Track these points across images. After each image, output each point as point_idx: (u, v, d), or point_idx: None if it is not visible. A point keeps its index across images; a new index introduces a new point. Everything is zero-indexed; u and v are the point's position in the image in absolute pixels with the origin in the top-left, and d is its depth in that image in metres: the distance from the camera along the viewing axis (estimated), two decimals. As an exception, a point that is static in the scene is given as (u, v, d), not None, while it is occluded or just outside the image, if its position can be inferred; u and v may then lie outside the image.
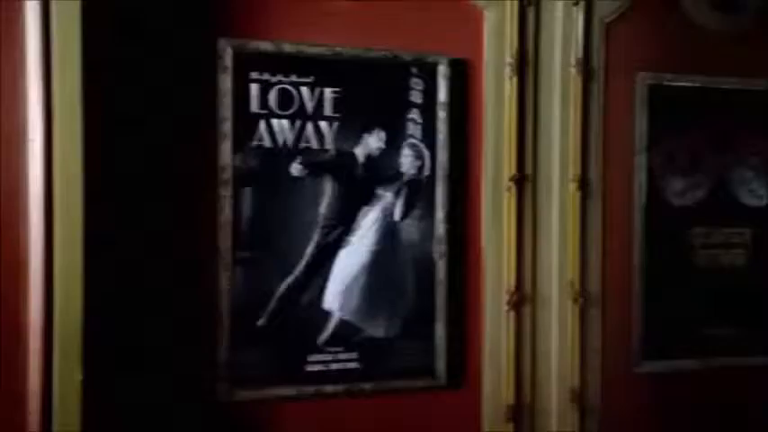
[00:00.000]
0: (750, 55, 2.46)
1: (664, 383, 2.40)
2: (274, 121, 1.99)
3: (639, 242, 2.36)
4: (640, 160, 2.37)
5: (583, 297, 2.28)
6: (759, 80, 2.46)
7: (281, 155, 1.99)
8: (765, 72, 2.47)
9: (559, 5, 2.25)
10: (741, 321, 2.48)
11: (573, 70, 2.27)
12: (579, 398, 2.28)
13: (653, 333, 2.38)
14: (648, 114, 2.36)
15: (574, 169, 2.28)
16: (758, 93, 2.47)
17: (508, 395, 2.22)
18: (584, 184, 2.29)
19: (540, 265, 2.27)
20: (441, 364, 2.14)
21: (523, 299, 2.24)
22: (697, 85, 2.41)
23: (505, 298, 2.21)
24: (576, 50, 2.27)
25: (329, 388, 2.04)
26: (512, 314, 2.22)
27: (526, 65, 2.23)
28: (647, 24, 2.36)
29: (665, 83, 2.38)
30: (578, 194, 2.28)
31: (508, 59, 2.20)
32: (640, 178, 2.37)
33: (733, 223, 2.47)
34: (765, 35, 2.47)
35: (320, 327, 2.04)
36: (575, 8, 2.26)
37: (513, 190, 2.22)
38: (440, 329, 2.14)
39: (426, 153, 2.12)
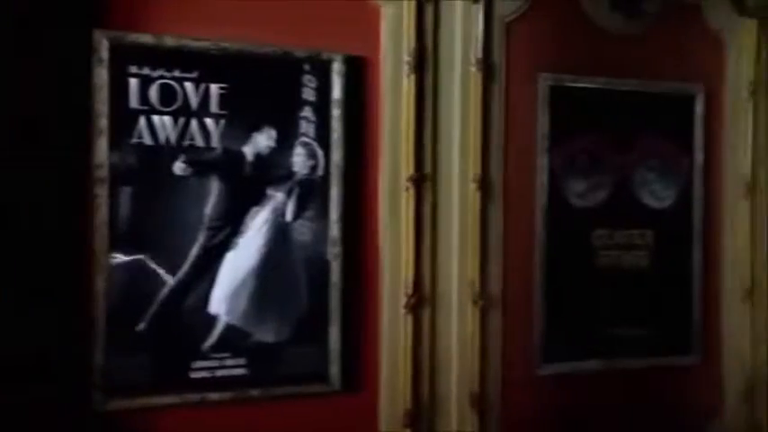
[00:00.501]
0: (650, 57, 2.48)
1: (566, 385, 2.39)
2: (155, 118, 1.91)
3: (541, 243, 2.35)
4: (542, 161, 2.35)
5: (483, 299, 2.26)
6: (659, 82, 2.47)
7: (162, 153, 1.91)
8: (665, 74, 2.48)
9: (459, 4, 2.22)
10: (643, 322, 2.48)
11: (473, 69, 2.25)
12: (479, 401, 2.26)
13: (555, 334, 2.37)
14: (550, 115, 2.35)
15: (474, 169, 2.25)
16: (659, 95, 2.48)
17: (406, 399, 2.18)
18: (484, 184, 2.26)
19: (439, 267, 2.23)
20: (335, 369, 2.08)
21: (422, 301, 2.20)
22: (598, 86, 2.41)
23: (403, 300, 2.17)
24: (476, 49, 2.25)
25: (215, 395, 1.96)
26: (410, 316, 2.18)
27: (425, 63, 2.20)
28: (547, 25, 2.35)
29: (567, 84, 2.37)
30: (479, 195, 2.25)
31: (406, 57, 2.16)
32: (542, 179, 2.35)
33: (635, 225, 2.48)
34: (664, 37, 2.48)
35: (205, 332, 1.96)
36: (474, 6, 2.24)
37: (412, 190, 2.18)
38: (334, 333, 2.08)
39: (320, 152, 2.06)
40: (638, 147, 2.48)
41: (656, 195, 2.50)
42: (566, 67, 2.38)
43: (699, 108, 2.53)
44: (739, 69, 2.58)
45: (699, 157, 2.54)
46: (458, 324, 2.25)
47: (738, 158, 2.59)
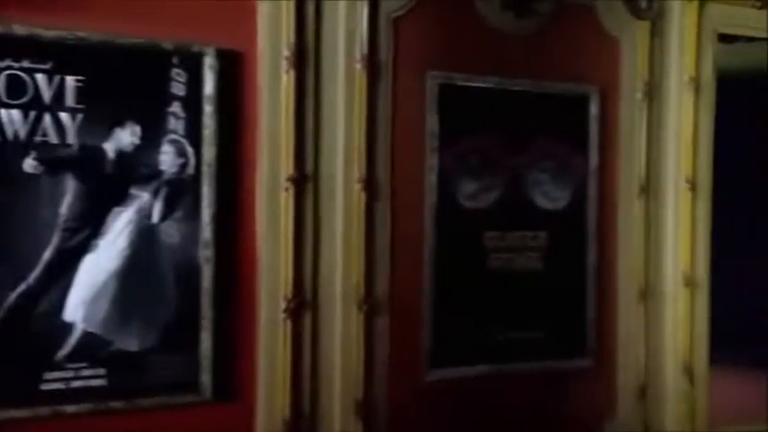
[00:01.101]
0: (543, 57, 2.45)
1: (456, 391, 2.34)
2: (2, 112, 1.77)
3: (430, 246, 2.29)
4: (431, 161, 2.30)
5: (368, 303, 2.18)
6: (553, 83, 2.44)
7: (10, 149, 1.78)
8: (559, 75, 2.45)
9: (342, -2, 2.14)
10: (536, 325, 2.44)
11: (358, 66, 2.17)
12: (364, 409, 2.18)
13: (444, 339, 2.32)
14: (439, 114, 2.30)
15: (359, 169, 2.18)
16: (553, 95, 2.45)
17: (285, 408, 2.09)
18: (370, 184, 2.19)
19: (322, 270, 2.15)
20: (206, 377, 1.98)
21: (303, 305, 2.11)
22: (490, 86, 2.37)
23: (283, 304, 2.08)
24: (362, 46, 2.17)
25: (70, 408, 1.84)
26: (289, 321, 2.09)
27: (305, 59, 2.11)
28: (436, 22, 2.29)
29: (457, 83, 2.32)
30: (364, 195, 2.18)
31: (285, 53, 2.08)
32: (431, 180, 2.30)
33: (528, 226, 2.44)
34: (558, 38, 2.45)
35: (59, 340, 1.83)
36: (359, 2, 2.16)
37: (292, 190, 2.09)
38: (206, 340, 1.98)
39: (190, 150, 1.96)
40: (531, 147, 2.44)
41: (550, 196, 2.47)
42: (456, 65, 2.33)
43: (593, 109, 2.51)
44: (633, 71, 2.57)
45: (593, 158, 2.52)
46: (342, 329, 2.18)
47: (632, 159, 2.58)
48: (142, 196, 1.92)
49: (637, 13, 2.56)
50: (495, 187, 2.40)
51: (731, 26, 2.70)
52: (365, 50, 2.18)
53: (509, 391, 2.42)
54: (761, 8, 2.71)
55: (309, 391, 2.13)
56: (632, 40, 2.57)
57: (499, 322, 2.41)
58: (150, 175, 1.92)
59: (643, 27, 2.58)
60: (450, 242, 2.33)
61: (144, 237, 1.92)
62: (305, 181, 2.12)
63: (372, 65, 2.19)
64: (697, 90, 2.64)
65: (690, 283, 2.64)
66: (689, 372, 2.64)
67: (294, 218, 2.10)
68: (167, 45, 1.94)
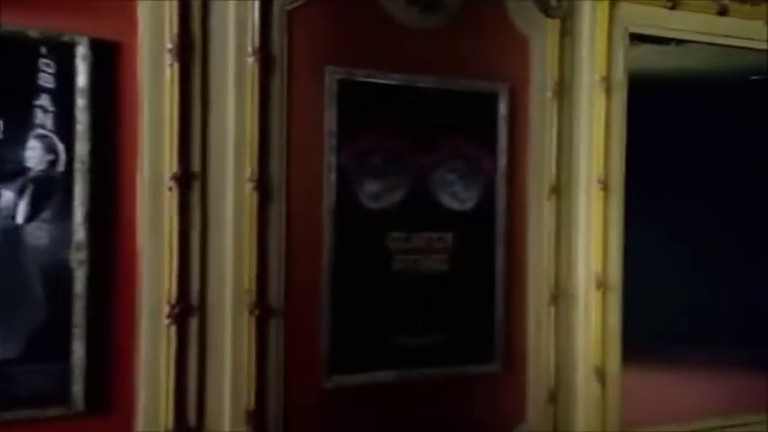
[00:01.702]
0: (450, 54, 2.37)
1: (357, 398, 2.25)
2: None
3: (328, 247, 2.20)
4: (330, 160, 2.20)
5: (260, 308, 2.08)
6: (461, 80, 2.37)
7: None
8: (467, 72, 2.38)
9: (232, -12, 2.04)
10: (443, 329, 2.37)
11: (250, 60, 2.06)
12: (256, 419, 2.07)
13: (344, 344, 2.23)
14: (339, 111, 2.20)
15: (251, 168, 2.07)
16: (460, 93, 2.38)
17: (168, 419, 1.97)
18: (263, 184, 2.08)
19: (210, 274, 2.04)
20: (78, 388, 1.86)
21: (189, 311, 2.00)
22: (394, 82, 2.28)
23: (166, 310, 1.96)
24: (254, 38, 2.07)
25: None
26: (173, 328, 1.96)
27: (191, 51, 2.00)
28: (336, 15, 2.20)
29: (358, 78, 2.23)
30: (256, 196, 2.07)
31: (168, 45, 1.96)
32: (330, 179, 2.20)
33: (434, 228, 2.36)
34: (466, 34, 2.38)
35: None
36: (250, -8, 2.05)
37: (176, 190, 1.97)
38: (78, 348, 1.85)
39: (61, 146, 1.83)
40: (438, 147, 2.37)
41: (458, 197, 2.40)
42: (357, 60, 2.24)
43: (502, 108, 2.45)
44: (543, 69, 2.52)
45: (502, 157, 2.46)
46: (232, 335, 2.07)
47: (543, 160, 2.52)
48: (5, 195, 1.78)
49: (546, 11, 2.52)
50: (400, 187, 2.32)
51: (642, 26, 2.68)
52: (257, 43, 2.07)
53: (414, 397, 2.34)
54: (672, 8, 2.69)
55: (196, 401, 2.02)
56: (542, 38, 2.52)
57: (404, 326, 2.33)
58: (14, 173, 1.79)
59: (553, 25, 2.53)
60: (352, 244, 2.24)
61: (7, 238, 1.77)
62: (191, 179, 2.01)
63: (265, 58, 2.10)
64: (608, 89, 2.59)
65: (602, 285, 2.60)
66: (600, 375, 2.59)
67: (179, 219, 1.98)
68: (33, 34, 1.81)
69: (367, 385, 2.26)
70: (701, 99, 3.58)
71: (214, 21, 2.04)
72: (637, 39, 2.93)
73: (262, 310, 2.09)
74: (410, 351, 2.33)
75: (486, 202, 2.44)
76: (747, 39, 2.87)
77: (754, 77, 3.55)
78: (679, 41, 2.95)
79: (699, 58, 3.12)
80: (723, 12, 2.78)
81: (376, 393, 2.28)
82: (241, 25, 2.06)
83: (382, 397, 2.30)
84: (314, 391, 2.19)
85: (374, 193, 2.28)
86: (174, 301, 1.98)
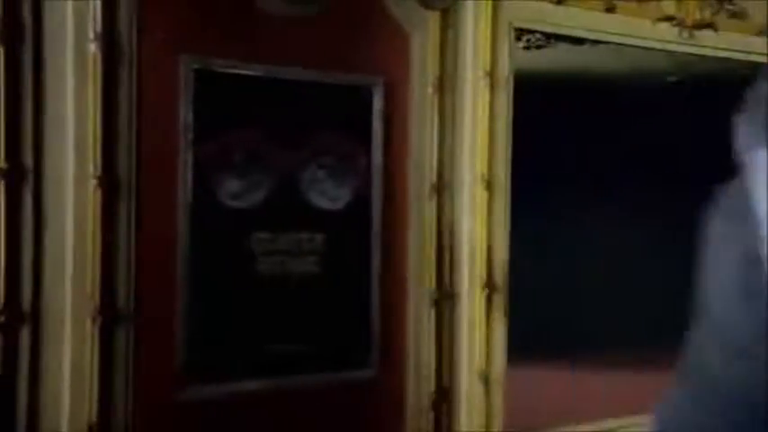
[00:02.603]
0: (321, 45, 2.25)
1: (217, 410, 2.11)
2: None
3: (184, 250, 2.05)
4: (185, 156, 2.05)
5: (105, 314, 1.92)
6: (332, 73, 2.25)
7: None
8: (339, 65, 2.26)
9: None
10: (313, 335, 2.25)
11: (92, 46, 1.90)
12: (97, 434, 1.90)
13: (203, 353, 2.08)
14: (195, 103, 2.06)
15: (95, 164, 1.91)
16: (332, 87, 2.26)
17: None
18: (108, 181, 1.92)
19: (46, 278, 1.87)
20: None
21: (19, 318, 1.82)
22: (258, 73, 2.15)
23: (-8, 319, 1.78)
24: (95, 22, 1.90)
25: None
26: None
27: (21, 35, 1.84)
28: (192, 0, 2.04)
29: (217, 69, 2.08)
30: (100, 194, 1.91)
31: (-11, 28, 1.77)
32: (185, 176, 2.06)
33: (303, 228, 2.23)
34: (338, 25, 2.27)
35: None
36: (88, -28, 1.88)
37: (3, 185, 1.79)
38: None
39: None
40: (306, 142, 2.25)
41: (329, 196, 2.28)
42: (217, 49, 2.10)
43: (378, 103, 2.34)
44: (423, 63, 2.42)
45: (378, 155, 2.35)
46: (72, 344, 1.91)
47: (423, 157, 2.42)
48: None
49: (426, 4, 2.42)
50: (265, 185, 2.19)
51: (527, 21, 2.61)
52: (99, 28, 1.91)
53: (281, 407, 2.21)
54: (558, 3, 2.63)
55: (26, 417, 1.84)
56: (423, 31, 2.43)
57: (270, 332, 2.20)
58: None
59: (435, 18, 2.43)
60: (211, 245, 2.10)
61: None
62: (22, 175, 1.83)
63: (109, 45, 1.94)
64: (492, 86, 2.51)
65: (487, 285, 2.52)
66: (484, 377, 2.52)
67: (6, 218, 1.80)
68: None
69: (228, 396, 2.12)
70: (614, 100, 3.57)
71: (47, 4, 1.87)
72: (553, 38, 2.88)
73: (107, 317, 1.93)
74: (277, 358, 2.21)
75: (361, 200, 2.33)
76: (636, 37, 2.82)
77: (671, 79, 3.55)
78: (593, 42, 2.91)
79: (614, 58, 3.09)
80: (611, 9, 2.73)
81: (239, 404, 2.15)
82: (80, 7, 1.90)
83: (246, 407, 2.16)
84: (167, 403, 2.04)
85: (236, 192, 2.14)
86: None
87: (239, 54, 2.14)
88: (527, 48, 3.33)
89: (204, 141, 2.09)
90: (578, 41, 2.93)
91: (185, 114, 2.06)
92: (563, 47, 3.01)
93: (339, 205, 2.30)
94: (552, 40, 3.00)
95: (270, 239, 2.20)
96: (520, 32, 3.01)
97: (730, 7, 2.98)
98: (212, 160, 2.11)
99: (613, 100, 3.57)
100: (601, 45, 2.92)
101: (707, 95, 3.51)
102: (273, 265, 2.21)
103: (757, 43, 3.04)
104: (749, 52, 3.05)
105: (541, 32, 2.89)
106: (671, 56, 2.99)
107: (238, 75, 2.13)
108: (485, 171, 2.52)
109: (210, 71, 2.09)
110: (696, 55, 3.01)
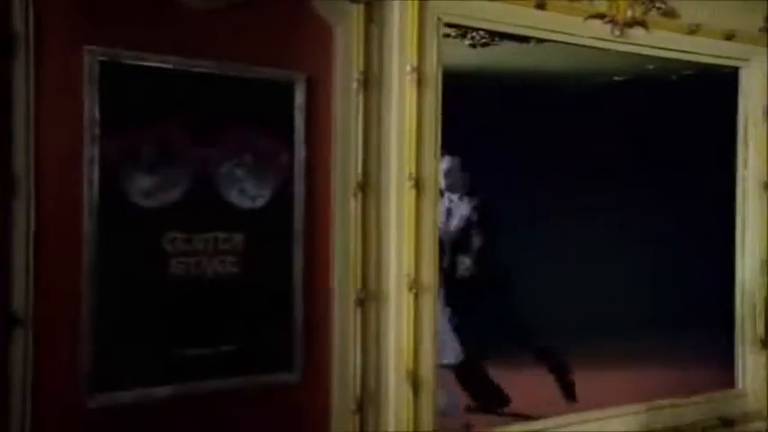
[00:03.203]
0: (239, 38, 2.17)
1: (127, 417, 2.02)
2: None
3: (90, 250, 1.96)
4: (91, 152, 1.96)
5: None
6: (251, 67, 2.17)
7: None
8: (259, 59, 2.19)
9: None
10: (232, 338, 2.16)
11: (-14, 37, 1.78)
12: (-6, 447, 1.79)
13: (112, 358, 1.98)
14: (102, 98, 1.96)
15: (-12, 162, 1.78)
16: (250, 81, 2.18)
17: None
18: (5, 179, 1.81)
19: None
20: None
21: None
22: (170, 66, 2.05)
23: None
24: (-10, 12, 1.78)
25: None
26: None
27: None
28: (97, -11, 1.94)
29: (126, 61, 1.98)
30: (-7, 193, 1.79)
31: None
32: (92, 174, 1.96)
33: (220, 227, 2.15)
34: (257, 17, 2.19)
35: None
36: (-19, -42, 1.77)
37: None
38: None
39: None
40: (224, 139, 2.17)
41: (248, 194, 2.20)
42: (124, 40, 2.00)
43: (299, 98, 2.27)
44: (348, 58, 2.35)
45: (300, 151, 2.28)
46: (-36, 352, 1.77)
47: (348, 155, 2.36)
48: None
49: (351, -4, 2.35)
50: (179, 183, 2.10)
51: (456, 16, 2.56)
52: (-7, 17, 1.79)
53: (198, 413, 2.13)
54: (488, -1, 2.59)
55: None
56: (347, 25, 2.37)
57: (185, 335, 2.11)
58: None
59: (359, 12, 2.37)
60: (120, 246, 2.01)
61: None
62: None
63: (6, 36, 1.82)
64: (420, 81, 2.46)
65: (414, 286, 2.47)
66: (413, 379, 2.46)
67: None
68: None
69: (141, 402, 2.03)
70: (559, 98, 3.56)
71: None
72: (497, 36, 2.85)
73: (1, 321, 1.81)
74: (193, 363, 2.13)
75: (283, 199, 2.26)
76: (567, 34, 2.81)
77: (617, 78, 3.55)
78: (539, 40, 2.89)
79: (561, 57, 3.07)
80: (541, 6, 2.71)
81: (152, 410, 2.06)
82: (-30, -4, 1.78)
83: (160, 414, 2.08)
84: (74, 410, 1.94)
85: (147, 190, 2.05)
86: None
87: (150, 46, 2.05)
88: (473, 45, 3.30)
89: (113, 137, 2.00)
90: (524, 39, 2.91)
91: (91, 109, 1.97)
92: (509, 45, 2.98)
93: (259, 204, 2.23)
94: (497, 38, 2.97)
95: (185, 239, 2.11)
96: (465, 30, 2.98)
97: (661, 6, 2.97)
98: (121, 157, 2.01)
99: (559, 98, 3.56)
100: (547, 44, 2.90)
101: (654, 94, 3.52)
102: (189, 267, 2.12)
103: (688, 42, 3.05)
104: (680, 51, 3.05)
105: (485, 30, 2.85)
106: (620, 56, 2.99)
107: (148, 67, 2.04)
108: (413, 169, 2.47)
109: (118, 63, 1.99)
110: (644, 55, 3.00)
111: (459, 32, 3.04)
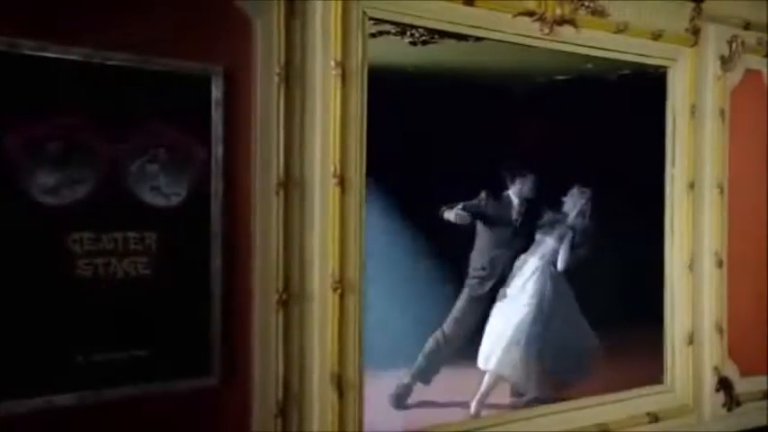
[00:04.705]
0: (151, 29, 2.09)
1: (29, 427, 1.90)
2: None
3: (-13, 251, 1.82)
4: (-11, 147, 1.82)
5: None
6: (164, 59, 2.08)
7: None
8: (173, 51, 2.10)
9: None
10: (144, 342, 2.07)
11: None
12: None
13: (10, 365, 1.86)
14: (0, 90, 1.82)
15: None
16: (163, 74, 2.09)
17: None
18: None
19: None
20: None
21: None
22: (76, 58, 1.94)
23: None
24: None
25: None
26: None
27: None
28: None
29: (26, 52, 1.87)
30: None
31: None
32: (-11, 171, 1.82)
33: (132, 226, 2.06)
34: (171, 8, 2.10)
35: None
36: None
37: None
38: None
39: None
40: (135, 134, 2.09)
41: (162, 192, 2.12)
42: (25, 30, 1.88)
43: (217, 92, 2.19)
44: (269, 52, 2.29)
45: (218, 148, 2.20)
46: None
47: (269, 151, 2.28)
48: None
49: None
50: (86, 180, 2.00)
51: (381, 11, 2.52)
52: None
53: (106, 422, 2.03)
54: (413, -8, 2.55)
55: None
56: (266, 17, 2.29)
57: (92, 340, 2.01)
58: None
59: (279, 4, 2.29)
60: (19, 246, 1.90)
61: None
62: None
63: None
64: (344, 77, 2.40)
65: (339, 286, 2.41)
66: (338, 382, 2.41)
67: None
68: None
69: (38, 412, 1.92)
70: (498, 97, 3.53)
71: None
72: (436, 34, 2.81)
73: None
74: (101, 369, 2.04)
75: (199, 196, 2.18)
76: (496, 31, 2.79)
77: (559, 77, 3.55)
78: (478, 38, 2.85)
79: (501, 55, 3.04)
80: (470, 2, 2.68)
81: (53, 420, 1.95)
82: None
83: (62, 423, 1.97)
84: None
85: (51, 187, 1.94)
86: None
87: (54, 36, 1.94)
88: (413, 43, 3.25)
89: (11, 131, 1.88)
90: (463, 38, 2.88)
91: (-13, 101, 1.84)
92: (449, 43, 2.95)
93: (174, 202, 2.15)
94: (437, 36, 2.93)
95: (92, 240, 2.01)
96: (404, 27, 2.93)
97: (590, 4, 2.98)
98: (21, 152, 1.90)
99: (498, 97, 3.54)
100: (485, 42, 2.88)
101: (592, 94, 3.53)
102: (96, 268, 2.02)
103: (617, 41, 3.07)
104: (610, 50, 3.07)
105: (425, 28, 2.81)
106: (557, 55, 2.98)
107: (51, 59, 1.93)
108: (337, 167, 2.41)
109: (17, 54, 1.88)
110: (579, 54, 3.00)
111: (398, 30, 2.99)
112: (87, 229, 2.01)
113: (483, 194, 2.63)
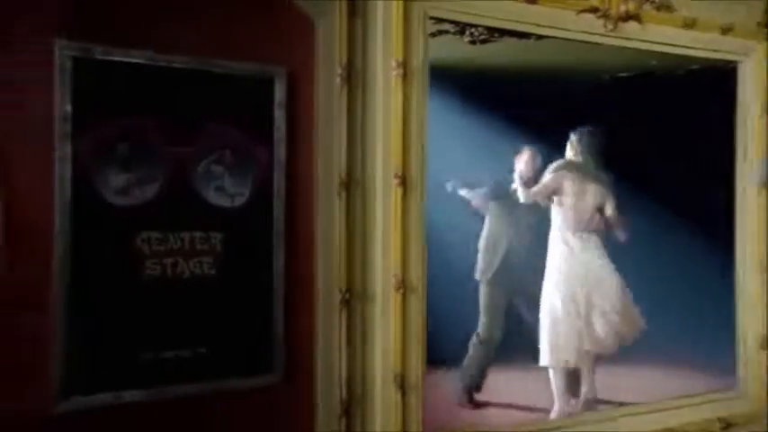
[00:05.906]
0: (215, 32, 2.12)
1: (98, 423, 1.96)
2: None
3: (61, 251, 1.90)
4: (63, 150, 1.91)
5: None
6: (226, 62, 2.11)
7: None
8: (234, 53, 2.13)
9: None
10: (209, 340, 2.10)
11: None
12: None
13: (82, 362, 1.93)
14: (73, 93, 1.91)
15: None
16: (228, 76, 2.13)
17: None
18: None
19: None
20: None
21: None
22: (142, 61, 1.99)
23: None
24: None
25: None
26: None
27: None
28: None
29: (98, 56, 1.93)
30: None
31: None
32: (64, 171, 1.90)
33: (198, 226, 2.10)
34: (234, 11, 2.14)
35: None
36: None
37: None
38: None
39: None
40: (201, 135, 2.12)
41: (227, 192, 2.15)
42: (97, 35, 1.94)
43: (279, 94, 2.21)
44: (331, 53, 2.30)
45: (280, 149, 2.22)
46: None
47: (331, 152, 2.29)
48: None
49: (330, -12, 2.29)
50: (154, 181, 2.05)
51: (443, 10, 2.50)
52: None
53: (172, 417, 2.07)
54: (473, -8, 2.52)
55: None
56: (328, 18, 2.30)
57: (160, 338, 2.06)
58: None
59: (342, 5, 2.30)
60: (92, 245, 1.95)
61: None
62: None
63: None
64: (405, 77, 2.40)
65: (402, 286, 2.40)
66: (400, 381, 2.40)
67: None
68: None
69: (110, 407, 1.97)
70: (559, 94, 3.49)
71: None
72: (496, 32, 2.80)
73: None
74: (167, 366, 2.07)
75: (262, 197, 2.20)
76: (559, 29, 2.74)
77: (621, 75, 3.48)
78: (539, 36, 2.83)
79: (562, 53, 3.01)
80: (533, 0, 2.64)
81: (125, 415, 2.00)
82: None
83: (133, 418, 2.02)
84: (41, 416, 1.89)
85: (121, 188, 1.99)
86: None
87: (123, 40, 1.99)
88: (472, 42, 3.24)
89: (83, 134, 1.94)
90: (524, 36, 2.85)
91: (62, 105, 1.91)
92: (509, 41, 2.92)
93: (238, 202, 2.17)
94: (497, 35, 2.91)
95: (159, 239, 2.05)
96: (463, 26, 2.91)
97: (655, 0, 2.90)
98: (94, 154, 1.96)
99: (558, 95, 3.49)
100: (548, 40, 2.84)
101: (658, 90, 3.44)
102: (164, 268, 2.06)
103: (684, 36, 2.97)
104: (676, 45, 2.98)
105: (484, 26, 2.79)
106: (620, 51, 2.92)
107: (122, 62, 1.98)
108: (399, 167, 2.40)
109: (90, 59, 1.94)
110: (643, 50, 2.93)
111: (457, 29, 2.98)
112: (155, 229, 2.05)
113: None
